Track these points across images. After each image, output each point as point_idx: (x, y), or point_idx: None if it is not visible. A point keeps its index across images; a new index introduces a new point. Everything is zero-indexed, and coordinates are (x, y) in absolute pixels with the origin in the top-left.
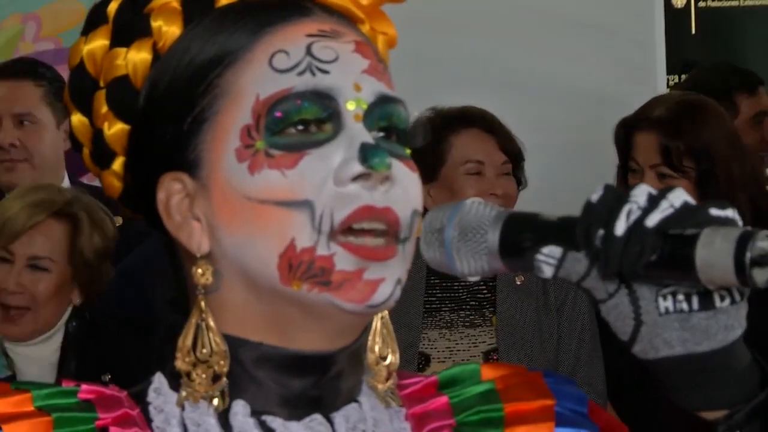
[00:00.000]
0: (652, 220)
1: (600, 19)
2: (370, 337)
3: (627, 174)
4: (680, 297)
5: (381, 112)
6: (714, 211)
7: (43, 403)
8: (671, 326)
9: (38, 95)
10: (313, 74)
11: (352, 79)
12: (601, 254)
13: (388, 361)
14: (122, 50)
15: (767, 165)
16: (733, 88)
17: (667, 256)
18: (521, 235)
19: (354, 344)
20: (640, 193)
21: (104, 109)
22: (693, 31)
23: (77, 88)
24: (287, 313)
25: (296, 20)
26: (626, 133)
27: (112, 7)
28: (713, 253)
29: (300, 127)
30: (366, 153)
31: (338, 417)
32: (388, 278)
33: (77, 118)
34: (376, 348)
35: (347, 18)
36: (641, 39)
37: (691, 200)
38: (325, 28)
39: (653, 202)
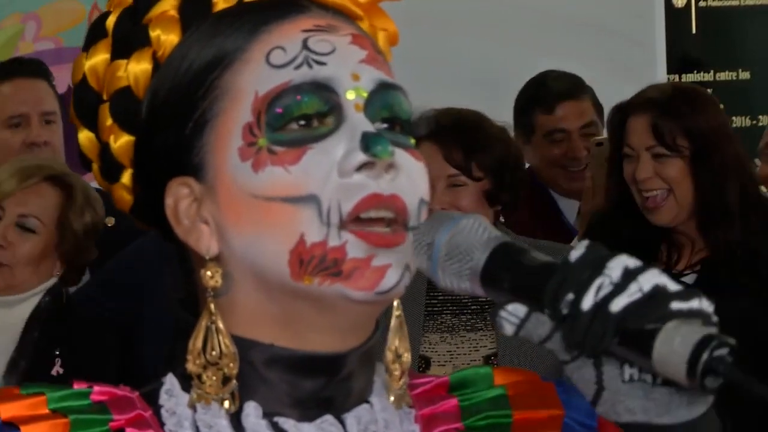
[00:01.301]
0: (618, 305)
1: (600, 19)
2: (390, 335)
3: (620, 163)
4: None
5: (382, 100)
6: (676, 305)
7: (57, 405)
8: (635, 394)
9: (53, 95)
10: (311, 66)
11: (350, 69)
12: (566, 325)
13: (403, 359)
14: (123, 62)
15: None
16: (532, 106)
17: (627, 342)
18: (501, 273)
19: (365, 344)
20: (616, 267)
21: (109, 122)
22: (693, 31)
23: (82, 104)
24: (298, 311)
25: (292, 18)
26: (620, 119)
27: (111, 21)
28: (670, 351)
29: (302, 122)
30: (368, 142)
31: (350, 418)
32: (396, 264)
33: (84, 135)
34: (394, 346)
35: (344, 14)
36: (642, 38)
37: (664, 282)
38: (321, 23)
39: (626, 280)
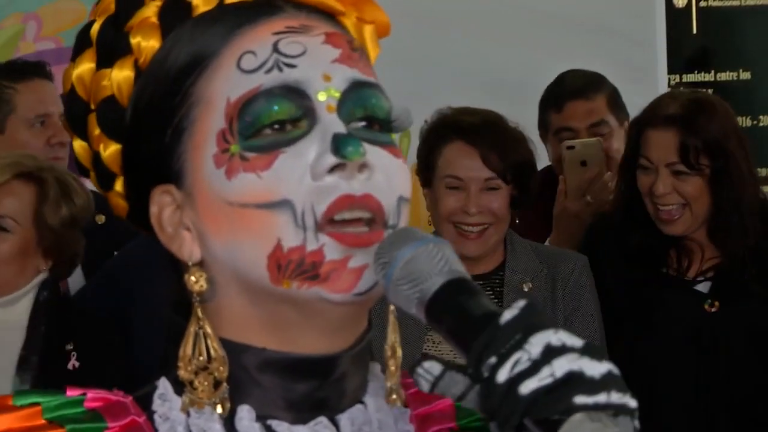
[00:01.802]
0: (527, 388)
1: (601, 19)
2: (389, 330)
3: (633, 171)
4: None
5: (356, 99)
6: (581, 399)
7: (53, 415)
8: None
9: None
10: (281, 70)
11: (321, 70)
12: (483, 389)
13: (397, 355)
14: (107, 71)
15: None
16: (547, 106)
17: (536, 423)
18: (443, 313)
19: (357, 345)
20: (538, 342)
21: (97, 131)
22: (694, 31)
23: (72, 114)
24: (282, 314)
25: (264, 20)
26: (638, 130)
27: (95, 29)
28: None
29: (276, 127)
30: (338, 143)
31: (343, 419)
32: (373, 264)
33: (78, 144)
34: (391, 342)
35: (321, 12)
36: (642, 39)
37: (580, 368)
38: (293, 24)
39: (544, 359)
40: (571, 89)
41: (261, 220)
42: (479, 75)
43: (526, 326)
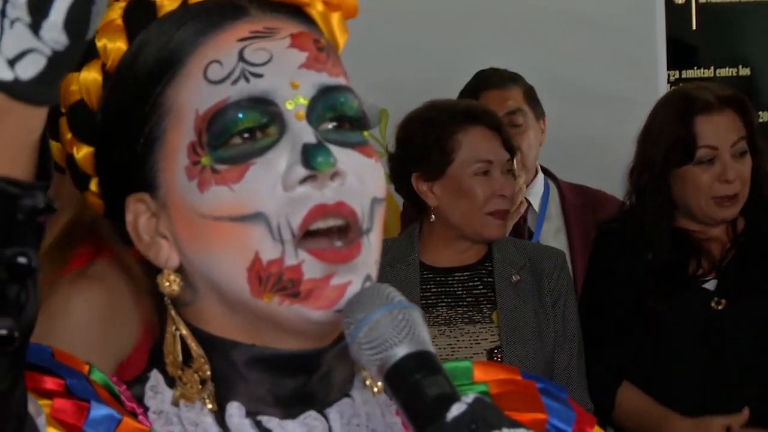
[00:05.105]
0: None
1: (601, 15)
2: None
3: (664, 179)
4: None
5: (325, 104)
6: None
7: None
8: None
9: None
10: (248, 80)
11: (288, 78)
12: None
13: None
14: (75, 75)
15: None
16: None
17: None
18: (398, 388)
19: (339, 343)
20: None
21: (68, 135)
22: (694, 27)
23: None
24: (261, 325)
25: (228, 25)
26: (687, 121)
27: None
28: None
29: (246, 135)
30: (307, 155)
31: (333, 413)
32: (355, 280)
33: (53, 145)
34: None
35: (286, 8)
36: (642, 34)
37: None
38: (258, 28)
39: None
40: (487, 82)
41: (237, 234)
42: (477, 70)
43: (471, 428)
